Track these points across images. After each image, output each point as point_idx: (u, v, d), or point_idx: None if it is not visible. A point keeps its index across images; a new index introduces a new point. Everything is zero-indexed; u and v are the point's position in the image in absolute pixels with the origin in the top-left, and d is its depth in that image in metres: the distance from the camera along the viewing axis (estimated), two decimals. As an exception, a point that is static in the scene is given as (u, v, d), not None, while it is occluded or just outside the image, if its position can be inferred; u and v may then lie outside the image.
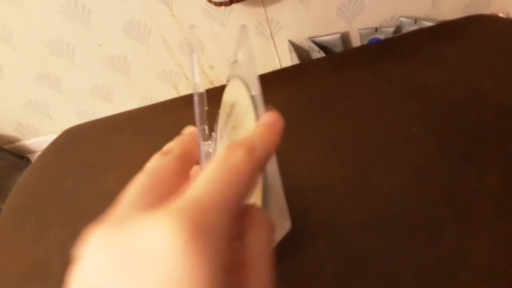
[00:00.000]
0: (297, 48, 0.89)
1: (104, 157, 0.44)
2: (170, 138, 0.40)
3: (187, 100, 0.50)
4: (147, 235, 0.15)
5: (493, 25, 0.45)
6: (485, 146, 0.37)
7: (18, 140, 1.17)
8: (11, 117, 1.08)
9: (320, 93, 0.43)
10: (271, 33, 0.86)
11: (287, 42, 0.87)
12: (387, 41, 0.47)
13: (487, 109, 0.39)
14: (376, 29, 0.81)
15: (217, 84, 0.97)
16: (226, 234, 0.16)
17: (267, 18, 0.82)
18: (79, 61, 0.88)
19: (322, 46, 0.85)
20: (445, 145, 0.38)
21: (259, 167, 0.19)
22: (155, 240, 0.15)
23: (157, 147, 0.39)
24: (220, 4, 0.76)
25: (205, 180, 0.17)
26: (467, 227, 0.34)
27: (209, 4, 0.77)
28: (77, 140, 0.49)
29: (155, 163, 0.20)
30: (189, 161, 0.21)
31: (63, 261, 0.21)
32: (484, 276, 0.32)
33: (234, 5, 0.77)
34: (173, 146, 0.22)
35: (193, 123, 0.44)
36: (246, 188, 0.18)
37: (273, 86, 0.48)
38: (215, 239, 0.15)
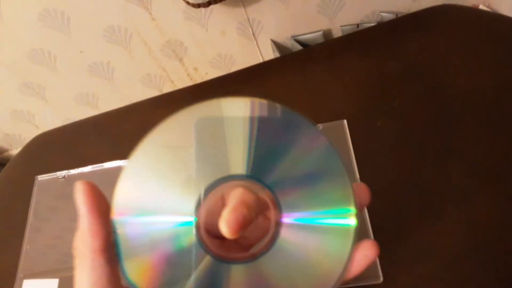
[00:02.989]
0: (280, 48, 0.88)
1: (69, 163, 0.44)
2: (135, 141, 0.39)
3: (152, 102, 0.49)
4: None
5: (455, 15, 0.44)
6: (448, 137, 0.36)
7: (6, 150, 1.16)
8: (-3, 128, 1.08)
9: (282, 91, 0.42)
10: (253, 33, 0.85)
11: (269, 41, 0.86)
12: (349, 36, 0.47)
13: (449, 100, 0.38)
14: (357, 26, 0.80)
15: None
16: None
17: (248, 19, 0.81)
18: (62, 68, 0.88)
19: (305, 45, 0.84)
20: (408, 137, 0.37)
21: None
22: None
23: (122, 150, 0.39)
24: (198, 5, 0.76)
25: None
26: (430, 218, 0.33)
27: (189, 6, 0.76)
28: (44, 148, 0.49)
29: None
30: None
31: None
32: (447, 265, 0.32)
33: (213, 6, 0.76)
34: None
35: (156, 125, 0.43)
36: None
37: (236, 85, 0.48)
38: None
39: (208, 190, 0.23)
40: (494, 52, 0.40)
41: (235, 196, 0.23)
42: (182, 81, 0.96)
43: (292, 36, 0.85)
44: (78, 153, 0.46)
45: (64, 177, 0.45)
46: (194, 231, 0.23)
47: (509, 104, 0.37)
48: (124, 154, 0.44)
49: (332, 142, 0.38)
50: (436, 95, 0.38)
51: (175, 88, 0.59)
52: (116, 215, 0.23)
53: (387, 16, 0.77)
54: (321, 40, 0.83)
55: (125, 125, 0.48)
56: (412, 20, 0.48)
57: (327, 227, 0.23)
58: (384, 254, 0.34)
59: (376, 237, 0.34)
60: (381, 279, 0.33)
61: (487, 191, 0.34)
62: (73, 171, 0.45)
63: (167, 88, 0.95)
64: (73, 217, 0.46)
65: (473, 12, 0.48)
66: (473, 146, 0.35)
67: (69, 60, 0.86)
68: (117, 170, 0.47)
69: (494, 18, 0.46)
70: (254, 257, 0.23)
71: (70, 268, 0.42)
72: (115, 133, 0.47)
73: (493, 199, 0.33)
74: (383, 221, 0.34)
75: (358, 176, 0.37)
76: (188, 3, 0.74)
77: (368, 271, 0.34)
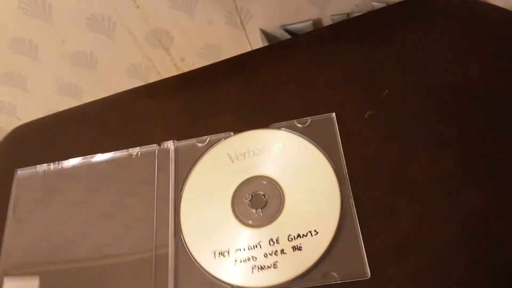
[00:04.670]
0: (269, 37, 0.86)
1: (51, 155, 0.43)
2: (118, 133, 0.39)
3: (137, 92, 0.48)
4: None
5: (446, 4, 0.44)
6: (438, 129, 0.36)
7: (-13, 143, 1.14)
8: (-23, 119, 1.05)
9: (271, 80, 0.41)
10: (241, 22, 0.84)
11: (258, 31, 0.84)
12: (338, 24, 0.46)
13: (440, 91, 0.38)
14: (348, 15, 0.78)
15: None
16: None
17: (236, 7, 0.80)
18: (44, 58, 0.86)
19: (294, 34, 0.83)
20: (398, 128, 0.37)
21: None
22: None
23: (106, 141, 0.37)
24: (184, -7, 0.74)
25: None
26: (420, 211, 0.33)
27: (175, -7, 0.74)
28: (24, 140, 0.47)
29: None
30: None
31: None
32: (436, 259, 0.32)
33: (200, -6, 0.75)
34: None
35: (142, 116, 0.42)
36: None
37: (222, 76, 0.47)
38: None
39: None
40: (485, 41, 0.39)
41: None
42: (169, 72, 0.94)
43: (281, 26, 0.84)
44: (61, 145, 0.45)
45: (45, 170, 0.44)
46: None
47: (500, 94, 0.37)
48: (108, 145, 0.43)
49: (320, 137, 0.37)
50: (427, 86, 0.38)
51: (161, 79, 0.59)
52: None
53: (378, 6, 0.76)
54: (310, 29, 0.82)
55: (109, 115, 0.46)
56: (402, 9, 0.47)
57: None
58: (372, 248, 0.33)
59: (363, 230, 0.33)
60: (369, 275, 0.32)
61: (478, 183, 0.33)
62: (55, 164, 0.44)
63: (153, 78, 0.93)
64: (55, 211, 0.45)
65: (464, 1, 0.48)
66: (464, 138, 0.35)
67: (51, 49, 0.83)
68: (101, 164, 0.46)
69: (484, 8, 0.46)
70: None
71: (53, 263, 0.42)
72: (99, 124, 0.46)
73: (484, 192, 0.33)
74: (371, 214, 0.34)
75: (346, 170, 0.37)
76: (174, -10, 0.72)
77: (355, 268, 0.33)
